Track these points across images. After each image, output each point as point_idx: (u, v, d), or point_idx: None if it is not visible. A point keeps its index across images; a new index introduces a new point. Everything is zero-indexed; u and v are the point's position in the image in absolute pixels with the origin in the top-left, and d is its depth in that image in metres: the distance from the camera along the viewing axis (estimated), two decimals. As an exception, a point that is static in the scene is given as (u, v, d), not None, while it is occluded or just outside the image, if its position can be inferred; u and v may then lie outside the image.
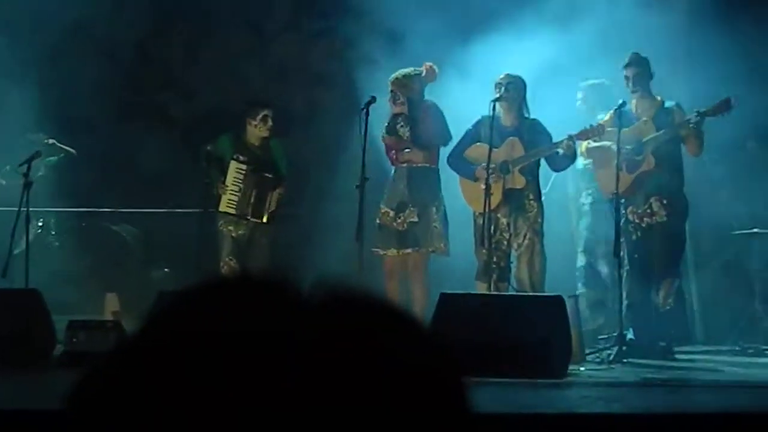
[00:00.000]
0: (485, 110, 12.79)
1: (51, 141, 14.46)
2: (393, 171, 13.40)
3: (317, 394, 1.33)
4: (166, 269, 14.10)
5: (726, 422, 7.94)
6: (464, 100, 13.27)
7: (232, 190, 13.64)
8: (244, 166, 13.62)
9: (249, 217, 13.70)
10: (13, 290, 12.35)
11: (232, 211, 13.66)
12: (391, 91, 13.34)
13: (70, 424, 1.39)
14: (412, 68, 13.40)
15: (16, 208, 13.22)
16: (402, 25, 14.68)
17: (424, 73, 13.40)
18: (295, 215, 14.79)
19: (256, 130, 13.75)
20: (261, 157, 13.78)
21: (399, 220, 13.16)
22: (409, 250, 13.19)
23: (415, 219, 13.14)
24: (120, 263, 14.66)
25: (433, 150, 13.27)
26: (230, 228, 13.68)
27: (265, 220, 13.76)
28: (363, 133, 12.58)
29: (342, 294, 1.44)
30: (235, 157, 13.62)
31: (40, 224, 14.72)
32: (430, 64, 13.39)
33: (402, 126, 13.29)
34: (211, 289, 1.46)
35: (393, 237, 13.20)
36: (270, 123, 13.72)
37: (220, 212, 13.70)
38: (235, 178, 13.63)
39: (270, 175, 13.72)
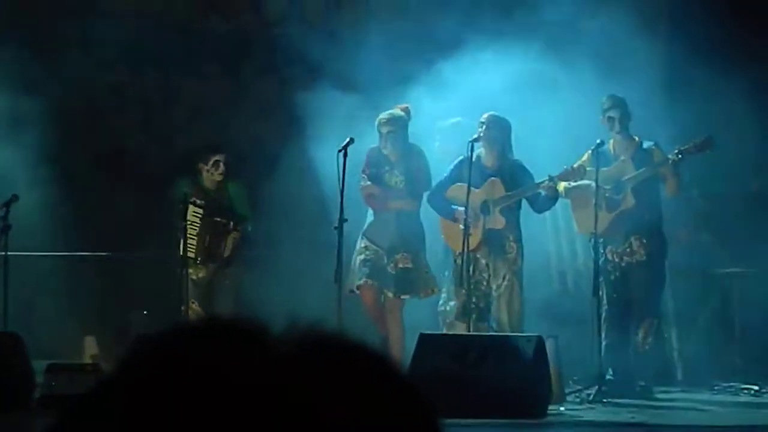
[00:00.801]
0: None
1: None
2: (374, 213, 13.34)
3: None
4: (144, 312, 14.06)
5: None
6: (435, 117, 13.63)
7: (190, 234, 13.64)
8: (200, 210, 13.64)
9: (207, 262, 13.73)
10: None
11: (191, 255, 13.66)
12: (388, 132, 13.26)
13: None
14: (397, 109, 13.38)
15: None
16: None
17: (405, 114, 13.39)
18: (267, 257, 14.74)
19: (209, 176, 13.76)
20: (216, 201, 13.79)
21: (391, 264, 13.10)
22: (407, 296, 13.24)
23: (410, 265, 13.13)
24: (98, 307, 14.58)
25: (422, 197, 13.30)
26: (191, 271, 13.65)
27: (223, 265, 13.79)
28: (341, 174, 12.54)
29: (316, 338, 1.42)
30: (191, 201, 13.61)
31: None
32: (406, 105, 13.39)
33: (391, 174, 13.29)
34: (180, 336, 1.44)
35: (388, 278, 13.16)
36: (222, 168, 13.75)
37: (181, 256, 13.64)
38: (191, 222, 13.64)
39: (223, 220, 13.73)
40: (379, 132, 13.27)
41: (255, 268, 14.31)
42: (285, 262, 14.76)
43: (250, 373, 1.35)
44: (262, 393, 1.34)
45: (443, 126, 14.04)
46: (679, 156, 12.46)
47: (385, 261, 13.10)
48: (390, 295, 13.13)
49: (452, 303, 13.07)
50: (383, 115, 13.32)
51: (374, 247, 13.14)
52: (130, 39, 15.98)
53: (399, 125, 13.27)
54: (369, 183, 13.25)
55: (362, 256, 13.16)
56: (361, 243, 13.22)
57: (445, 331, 12.91)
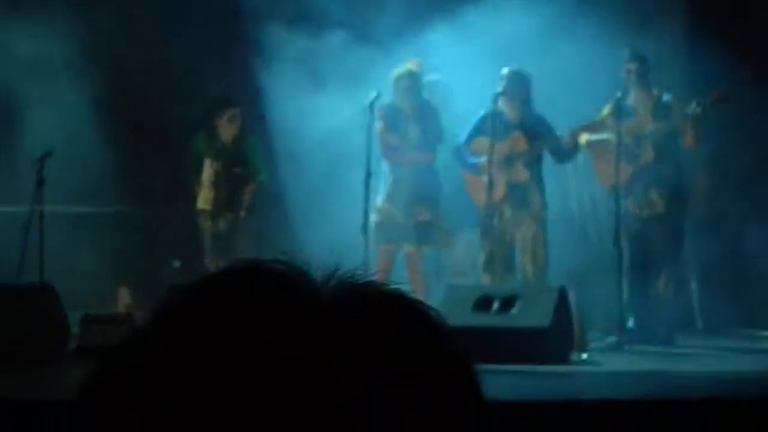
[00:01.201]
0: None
1: None
2: (390, 167, 13.45)
3: (334, 390, 1.26)
4: (176, 264, 14.11)
5: (722, 409, 8.01)
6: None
7: (207, 187, 13.78)
8: (218, 163, 13.74)
9: (225, 213, 13.85)
10: (29, 286, 12.40)
11: (209, 208, 13.80)
12: (405, 88, 13.37)
13: (84, 416, 1.31)
14: (412, 64, 13.42)
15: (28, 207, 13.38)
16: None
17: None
18: (291, 208, 14.83)
19: (225, 130, 13.88)
20: (233, 155, 13.89)
21: (411, 218, 13.22)
22: (427, 247, 13.39)
23: (429, 218, 13.25)
24: (132, 260, 14.67)
25: (436, 150, 13.40)
26: (208, 224, 13.82)
27: (242, 215, 13.88)
28: (369, 128, 12.66)
29: (356, 287, 1.36)
30: (209, 154, 13.75)
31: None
32: (417, 60, 13.52)
33: (407, 128, 13.35)
34: (223, 282, 1.37)
35: (407, 232, 13.26)
36: (238, 122, 13.88)
37: (199, 209, 13.85)
38: (209, 175, 13.78)
39: (240, 171, 13.85)
40: (396, 87, 13.36)
41: (276, 219, 14.42)
42: (310, 214, 14.80)
43: (288, 324, 1.29)
44: (299, 344, 1.27)
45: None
46: (698, 109, 12.48)
47: (403, 216, 13.20)
48: (410, 248, 13.25)
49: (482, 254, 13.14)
50: (399, 71, 13.40)
51: (389, 207, 13.26)
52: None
53: (414, 80, 13.37)
54: (384, 131, 13.31)
55: (378, 218, 13.26)
56: (378, 200, 13.31)
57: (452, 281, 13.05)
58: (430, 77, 13.97)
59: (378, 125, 13.28)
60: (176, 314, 1.33)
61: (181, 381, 1.26)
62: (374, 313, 1.33)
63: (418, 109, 13.38)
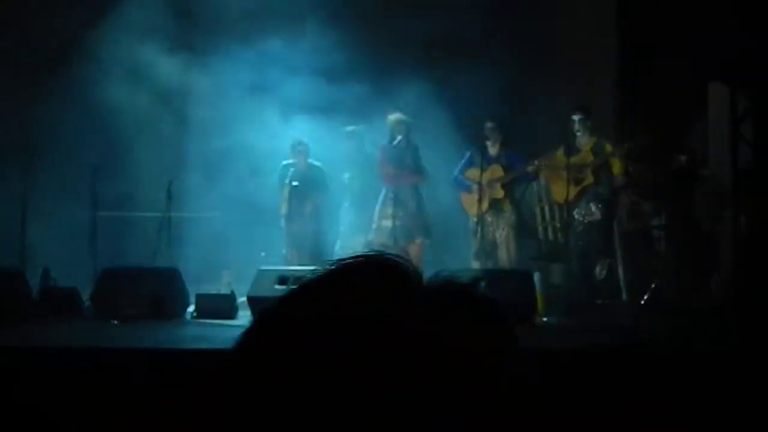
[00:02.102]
0: None
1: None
2: (387, 189, 13.34)
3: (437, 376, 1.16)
4: (263, 253, 14.12)
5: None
6: None
7: (285, 199, 13.70)
8: (290, 183, 13.64)
9: (295, 218, 13.68)
10: (162, 269, 12.36)
11: (285, 213, 13.71)
12: (401, 130, 13.30)
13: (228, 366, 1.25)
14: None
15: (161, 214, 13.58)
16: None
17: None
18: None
19: (298, 157, 13.77)
20: (304, 176, 13.72)
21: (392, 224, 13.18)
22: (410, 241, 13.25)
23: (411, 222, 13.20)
24: (232, 248, 14.62)
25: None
26: (286, 224, 13.70)
27: (305, 220, 13.71)
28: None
29: (450, 283, 1.29)
30: (287, 175, 13.68)
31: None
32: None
33: (403, 157, 13.27)
34: (350, 272, 1.25)
35: (386, 230, 13.20)
36: (303, 154, 13.70)
37: (282, 214, 13.78)
38: (288, 190, 13.68)
39: (304, 189, 13.63)
40: (394, 128, 13.30)
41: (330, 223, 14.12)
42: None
43: (402, 309, 1.19)
44: (406, 326, 1.17)
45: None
46: (624, 150, 12.60)
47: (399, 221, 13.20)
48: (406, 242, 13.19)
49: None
50: (397, 117, 13.36)
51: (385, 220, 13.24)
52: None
53: (407, 124, 13.36)
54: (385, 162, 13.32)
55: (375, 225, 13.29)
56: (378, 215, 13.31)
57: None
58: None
59: (379, 158, 13.34)
60: (305, 302, 1.25)
61: (302, 364, 1.15)
62: (455, 303, 1.26)
63: (410, 145, 13.35)
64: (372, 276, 1.24)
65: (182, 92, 15.21)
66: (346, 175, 13.88)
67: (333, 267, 1.27)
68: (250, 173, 14.27)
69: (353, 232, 13.49)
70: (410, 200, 13.26)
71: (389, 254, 1.31)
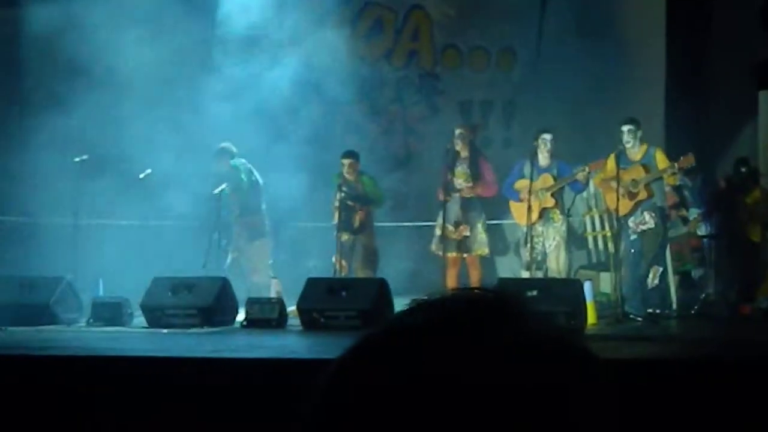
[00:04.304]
0: None
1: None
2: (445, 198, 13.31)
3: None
4: (312, 262, 14.09)
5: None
6: None
7: (336, 210, 13.65)
8: (340, 195, 13.61)
9: (343, 231, 13.57)
10: (213, 278, 12.29)
11: (334, 223, 13.65)
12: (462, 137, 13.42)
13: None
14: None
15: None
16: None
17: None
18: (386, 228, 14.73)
19: (347, 172, 13.71)
20: (354, 189, 13.68)
21: (455, 234, 13.23)
22: (468, 255, 13.30)
23: (467, 233, 13.22)
24: (281, 260, 14.47)
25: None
26: (337, 235, 13.60)
27: (354, 232, 13.66)
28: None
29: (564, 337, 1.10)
30: (338, 187, 13.63)
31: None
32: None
33: (463, 167, 13.34)
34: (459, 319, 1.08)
35: (454, 243, 13.22)
36: (350, 169, 13.65)
37: (334, 225, 13.70)
38: (338, 202, 13.64)
39: (352, 203, 13.61)
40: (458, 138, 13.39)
41: (380, 237, 14.18)
42: (401, 231, 14.83)
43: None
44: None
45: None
46: (674, 169, 12.39)
47: (453, 234, 13.21)
48: (454, 254, 13.24)
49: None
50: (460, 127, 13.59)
51: (447, 225, 13.22)
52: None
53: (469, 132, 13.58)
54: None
55: (439, 232, 13.29)
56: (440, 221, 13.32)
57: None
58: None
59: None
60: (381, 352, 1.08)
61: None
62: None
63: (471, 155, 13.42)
64: (489, 325, 1.07)
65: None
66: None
67: (435, 310, 1.10)
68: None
69: None
70: (461, 211, 13.33)
71: (492, 291, 1.14)
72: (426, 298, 1.12)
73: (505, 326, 1.07)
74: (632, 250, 12.63)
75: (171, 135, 13.87)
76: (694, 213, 14.12)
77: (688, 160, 12.34)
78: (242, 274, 13.59)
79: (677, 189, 13.78)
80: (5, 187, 14.85)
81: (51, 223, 14.61)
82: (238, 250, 13.85)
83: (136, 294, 11.81)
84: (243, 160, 13.88)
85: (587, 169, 12.73)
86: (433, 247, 13.42)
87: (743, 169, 13.73)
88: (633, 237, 12.63)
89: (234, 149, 13.94)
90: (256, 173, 13.97)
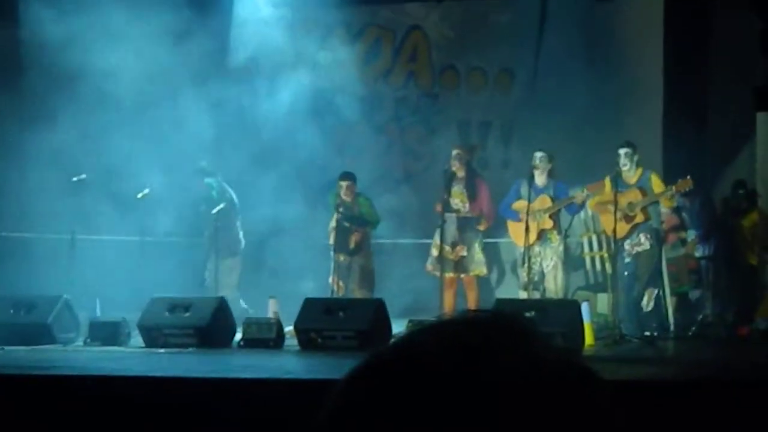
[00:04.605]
0: None
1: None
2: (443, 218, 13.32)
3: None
4: (310, 283, 14.08)
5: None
6: None
7: (334, 230, 13.66)
8: (337, 216, 13.62)
9: (339, 252, 13.63)
10: (207, 298, 12.31)
11: (331, 243, 13.68)
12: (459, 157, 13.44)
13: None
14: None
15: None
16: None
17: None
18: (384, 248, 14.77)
19: (344, 193, 13.74)
20: (350, 210, 13.70)
21: (452, 254, 13.26)
22: (465, 275, 13.34)
23: (464, 253, 13.25)
24: (277, 279, 14.60)
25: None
26: (334, 256, 13.64)
27: (350, 253, 13.69)
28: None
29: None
30: (335, 208, 13.66)
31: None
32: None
33: (460, 187, 13.38)
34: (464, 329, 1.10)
35: (449, 264, 13.23)
36: (347, 191, 13.68)
37: (330, 245, 13.73)
38: (335, 223, 13.65)
39: (348, 225, 13.63)
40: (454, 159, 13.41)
41: (378, 256, 14.22)
42: (398, 251, 14.82)
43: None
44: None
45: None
46: (671, 191, 12.45)
47: (450, 255, 13.23)
48: (451, 274, 13.26)
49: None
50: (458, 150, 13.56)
51: (443, 245, 13.21)
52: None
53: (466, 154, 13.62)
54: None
55: (435, 252, 13.30)
56: (436, 241, 13.34)
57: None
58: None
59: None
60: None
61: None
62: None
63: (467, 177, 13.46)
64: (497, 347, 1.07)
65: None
66: None
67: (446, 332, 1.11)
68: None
69: None
70: (457, 231, 13.35)
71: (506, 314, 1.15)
72: (426, 320, 1.10)
73: (507, 348, 1.07)
74: (626, 273, 12.65)
75: (166, 156, 13.97)
76: (691, 234, 14.13)
77: (686, 183, 12.38)
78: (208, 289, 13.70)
79: (676, 210, 13.82)
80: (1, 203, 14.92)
81: (46, 238, 14.61)
82: (209, 267, 13.95)
83: (132, 306, 11.89)
84: (217, 179, 14.04)
85: (585, 191, 12.79)
86: (429, 266, 13.47)
87: (741, 192, 13.79)
88: (627, 260, 12.66)
89: (208, 168, 14.15)
90: (231, 191, 14.10)
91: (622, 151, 12.65)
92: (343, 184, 13.73)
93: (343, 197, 13.70)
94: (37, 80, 15.16)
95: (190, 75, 14.79)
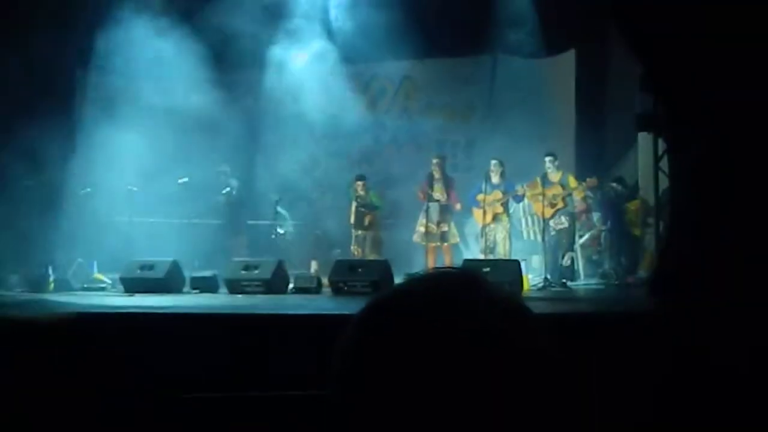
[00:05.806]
0: None
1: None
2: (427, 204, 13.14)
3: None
4: (338, 250, 13.99)
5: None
6: None
7: (352, 213, 13.55)
8: (355, 204, 13.55)
9: (358, 228, 13.52)
10: (268, 260, 11.92)
11: (352, 222, 13.60)
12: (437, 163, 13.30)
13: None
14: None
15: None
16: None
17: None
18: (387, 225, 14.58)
19: (359, 188, 13.63)
20: (364, 200, 13.60)
21: (437, 230, 13.13)
22: (445, 243, 13.23)
23: (446, 229, 13.13)
24: (316, 246, 14.50)
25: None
26: (354, 231, 13.54)
27: (365, 229, 13.54)
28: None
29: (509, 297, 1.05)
30: (354, 198, 13.56)
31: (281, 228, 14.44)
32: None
33: (439, 185, 13.21)
34: (432, 282, 1.04)
35: (435, 236, 13.11)
36: (363, 187, 13.50)
37: (351, 223, 13.64)
38: (354, 208, 13.57)
39: (363, 209, 13.51)
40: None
41: (385, 231, 14.06)
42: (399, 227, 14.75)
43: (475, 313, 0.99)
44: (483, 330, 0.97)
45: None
46: (582, 185, 12.46)
47: (435, 230, 13.08)
48: (437, 242, 13.12)
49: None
50: (437, 159, 13.30)
51: (429, 223, 13.06)
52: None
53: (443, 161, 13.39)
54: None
55: (423, 229, 13.12)
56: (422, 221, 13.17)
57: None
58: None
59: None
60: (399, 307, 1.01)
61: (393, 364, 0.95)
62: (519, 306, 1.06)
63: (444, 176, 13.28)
64: (471, 292, 1.04)
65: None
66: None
67: (429, 279, 1.06)
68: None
69: None
70: (439, 214, 13.23)
71: (472, 271, 1.12)
72: (417, 273, 1.10)
73: (472, 291, 1.05)
74: (551, 242, 12.57)
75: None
76: (596, 216, 14.12)
77: (593, 181, 12.43)
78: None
79: (585, 200, 13.85)
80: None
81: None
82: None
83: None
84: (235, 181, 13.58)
85: (524, 187, 12.78)
86: (416, 238, 13.31)
87: (620, 185, 13.84)
88: (552, 233, 12.61)
89: (228, 170, 13.50)
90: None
91: (547, 159, 12.60)
92: (359, 183, 13.70)
93: (359, 191, 13.64)
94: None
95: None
